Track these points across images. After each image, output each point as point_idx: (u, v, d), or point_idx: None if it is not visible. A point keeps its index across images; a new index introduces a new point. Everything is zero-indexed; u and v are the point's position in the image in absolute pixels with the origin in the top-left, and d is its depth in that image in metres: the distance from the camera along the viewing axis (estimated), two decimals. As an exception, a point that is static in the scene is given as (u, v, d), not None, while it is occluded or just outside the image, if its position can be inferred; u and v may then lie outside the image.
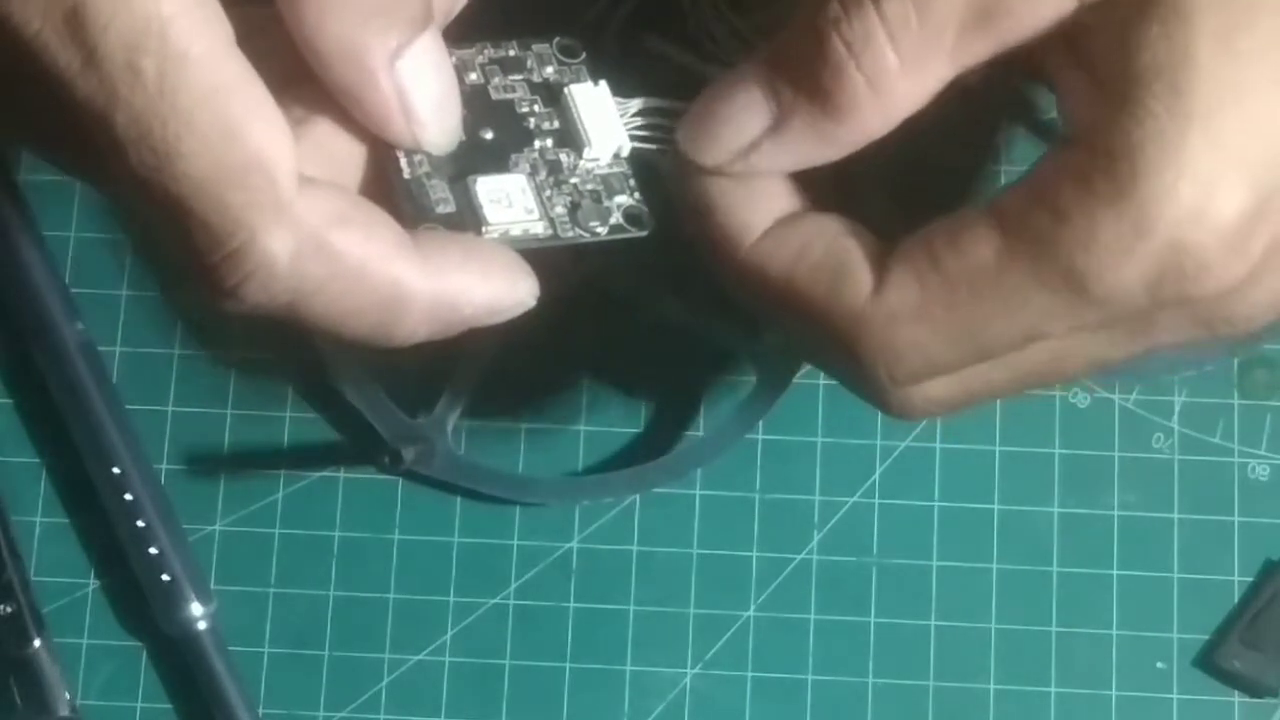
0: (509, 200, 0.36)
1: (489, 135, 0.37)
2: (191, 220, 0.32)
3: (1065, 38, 0.34)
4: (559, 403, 0.51)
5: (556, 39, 0.38)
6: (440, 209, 0.36)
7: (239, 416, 0.52)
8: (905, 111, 0.35)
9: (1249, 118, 0.33)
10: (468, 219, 0.36)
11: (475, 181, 0.36)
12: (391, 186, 0.36)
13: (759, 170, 0.37)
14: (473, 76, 0.37)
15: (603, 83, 0.38)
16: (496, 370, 0.50)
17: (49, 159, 0.35)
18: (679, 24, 0.40)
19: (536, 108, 0.38)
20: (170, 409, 0.52)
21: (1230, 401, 0.50)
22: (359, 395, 0.50)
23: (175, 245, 0.33)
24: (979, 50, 0.34)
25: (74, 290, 0.52)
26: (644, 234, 0.37)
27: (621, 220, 0.37)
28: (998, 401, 0.45)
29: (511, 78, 0.37)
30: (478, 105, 0.37)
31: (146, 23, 0.31)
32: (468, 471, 0.50)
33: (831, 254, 0.36)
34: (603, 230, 0.37)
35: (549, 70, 0.38)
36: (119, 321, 0.52)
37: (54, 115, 0.32)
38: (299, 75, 0.35)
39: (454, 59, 0.36)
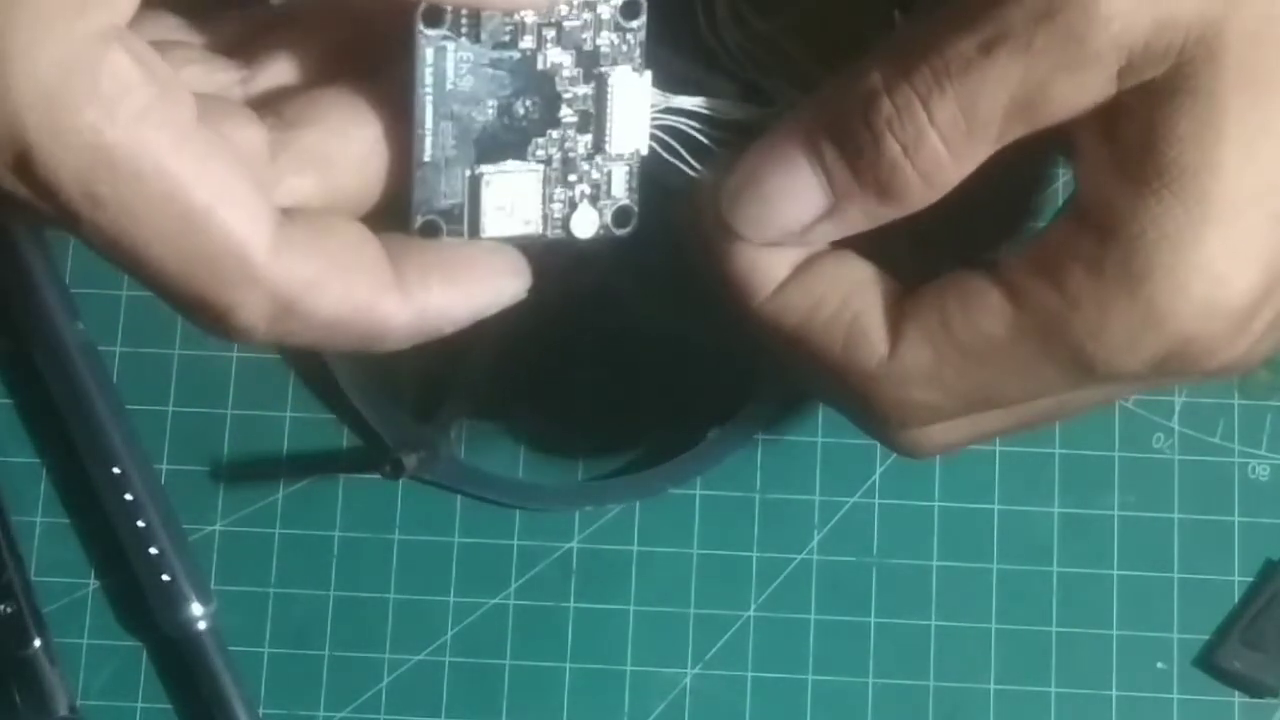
0: (512, 205, 0.37)
1: (520, 111, 0.37)
2: (171, 298, 0.34)
3: (1096, 119, 0.35)
4: (561, 408, 0.51)
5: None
6: (446, 201, 0.36)
7: (239, 416, 0.51)
8: (949, 189, 0.36)
9: (1264, 217, 0.34)
10: (469, 219, 0.37)
11: (484, 182, 0.36)
12: (408, 169, 0.36)
13: (804, 244, 0.37)
14: (526, 41, 0.37)
15: (648, 73, 0.38)
16: (499, 375, 0.50)
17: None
18: (690, 33, 0.40)
19: (576, 84, 0.37)
20: (170, 409, 0.52)
21: (1230, 401, 0.50)
22: (362, 400, 0.50)
23: (165, 303, 0.34)
24: (1020, 132, 0.35)
25: (74, 290, 0.52)
26: (622, 233, 0.38)
27: (609, 221, 0.38)
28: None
29: (565, 43, 0.37)
30: (520, 74, 0.37)
31: (94, 154, 0.31)
32: (470, 477, 0.50)
33: (846, 309, 0.37)
34: (589, 233, 0.38)
35: (603, 40, 0.37)
36: (119, 321, 0.52)
37: (35, 220, 0.33)
38: (296, 79, 0.36)
39: (515, 17, 0.36)
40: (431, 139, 0.36)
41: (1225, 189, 0.33)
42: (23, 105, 0.31)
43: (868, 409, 0.37)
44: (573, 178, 0.38)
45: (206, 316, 0.34)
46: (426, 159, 0.36)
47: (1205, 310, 0.34)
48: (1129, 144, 0.34)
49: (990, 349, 0.36)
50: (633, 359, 0.51)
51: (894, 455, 0.50)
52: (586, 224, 0.38)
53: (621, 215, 0.38)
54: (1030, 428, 0.39)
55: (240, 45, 0.37)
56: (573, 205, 0.38)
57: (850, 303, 0.37)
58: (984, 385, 0.36)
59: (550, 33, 0.37)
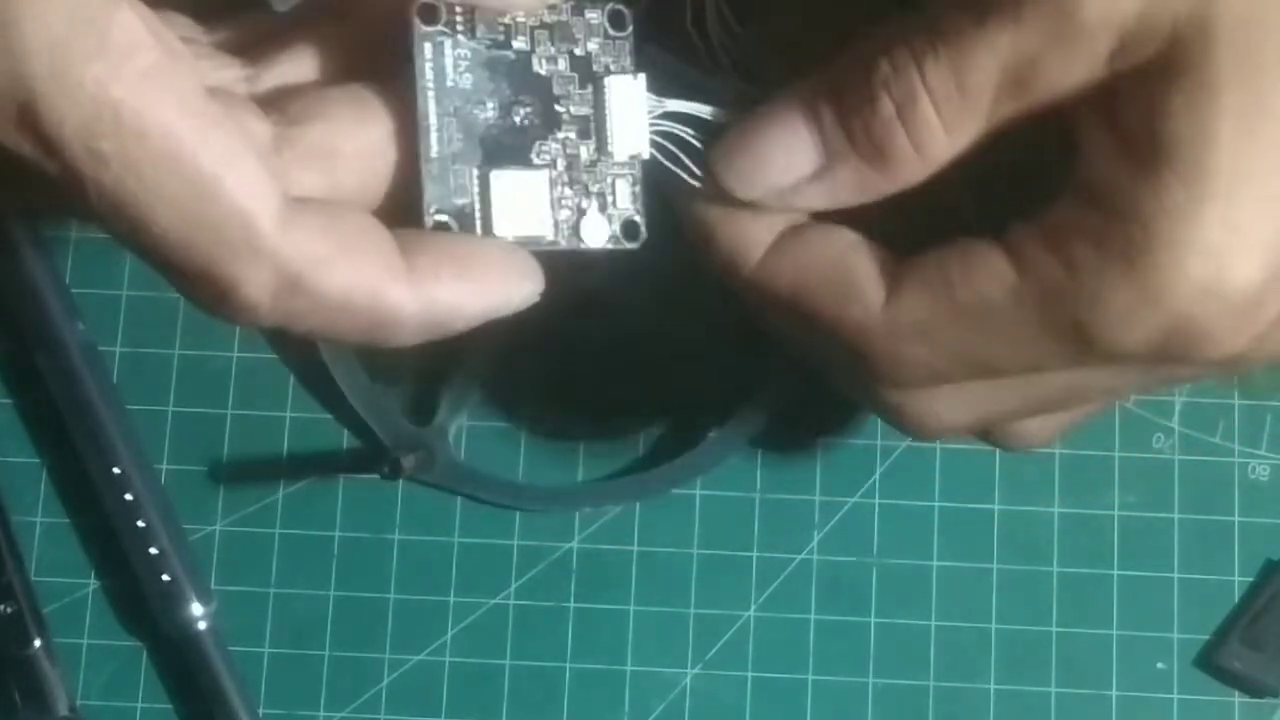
0: (522, 205, 0.37)
1: (520, 115, 0.37)
2: (174, 270, 0.33)
3: (1094, 101, 0.35)
4: (560, 409, 0.51)
5: (609, 6, 0.38)
6: (457, 199, 0.36)
7: (239, 416, 0.51)
8: (942, 164, 0.36)
9: (1264, 198, 0.34)
10: (479, 217, 0.36)
11: (493, 179, 0.37)
12: (416, 167, 0.36)
13: (793, 209, 0.38)
14: (519, 42, 0.37)
15: (641, 76, 0.38)
16: (498, 376, 0.50)
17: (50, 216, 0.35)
18: (681, 34, 0.40)
19: (572, 89, 0.38)
20: (170, 409, 0.52)
21: (1230, 401, 0.50)
22: (361, 401, 0.50)
23: (168, 280, 0.34)
24: (1013, 110, 0.35)
25: (74, 290, 0.52)
26: (633, 247, 0.38)
27: (618, 231, 0.38)
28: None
29: (558, 46, 0.38)
30: (517, 77, 0.37)
31: (99, 109, 0.31)
32: (468, 478, 0.50)
33: (839, 268, 0.37)
34: (598, 245, 0.38)
35: (594, 45, 0.38)
36: (119, 321, 0.52)
37: (37, 191, 0.32)
38: (300, 80, 0.36)
39: (507, 18, 0.37)
40: (436, 134, 0.36)
41: (1223, 166, 0.34)
42: (29, 54, 0.30)
43: (862, 364, 0.37)
44: (577, 186, 0.38)
45: (210, 292, 0.33)
46: (434, 154, 0.36)
47: (1204, 289, 0.34)
48: (1127, 125, 0.34)
49: (989, 310, 0.36)
50: (632, 360, 0.51)
51: (894, 455, 0.50)
52: (597, 232, 0.38)
53: (629, 229, 0.38)
54: (1038, 412, 0.39)
55: (245, 48, 0.37)
56: (580, 212, 0.38)
57: (844, 259, 0.37)
58: (980, 348, 0.36)
59: (543, 34, 0.37)
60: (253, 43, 0.37)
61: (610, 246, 0.38)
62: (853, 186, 0.37)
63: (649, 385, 0.51)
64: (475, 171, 0.37)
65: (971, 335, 0.36)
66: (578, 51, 0.38)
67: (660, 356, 0.50)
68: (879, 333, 0.36)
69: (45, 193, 0.32)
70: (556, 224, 0.37)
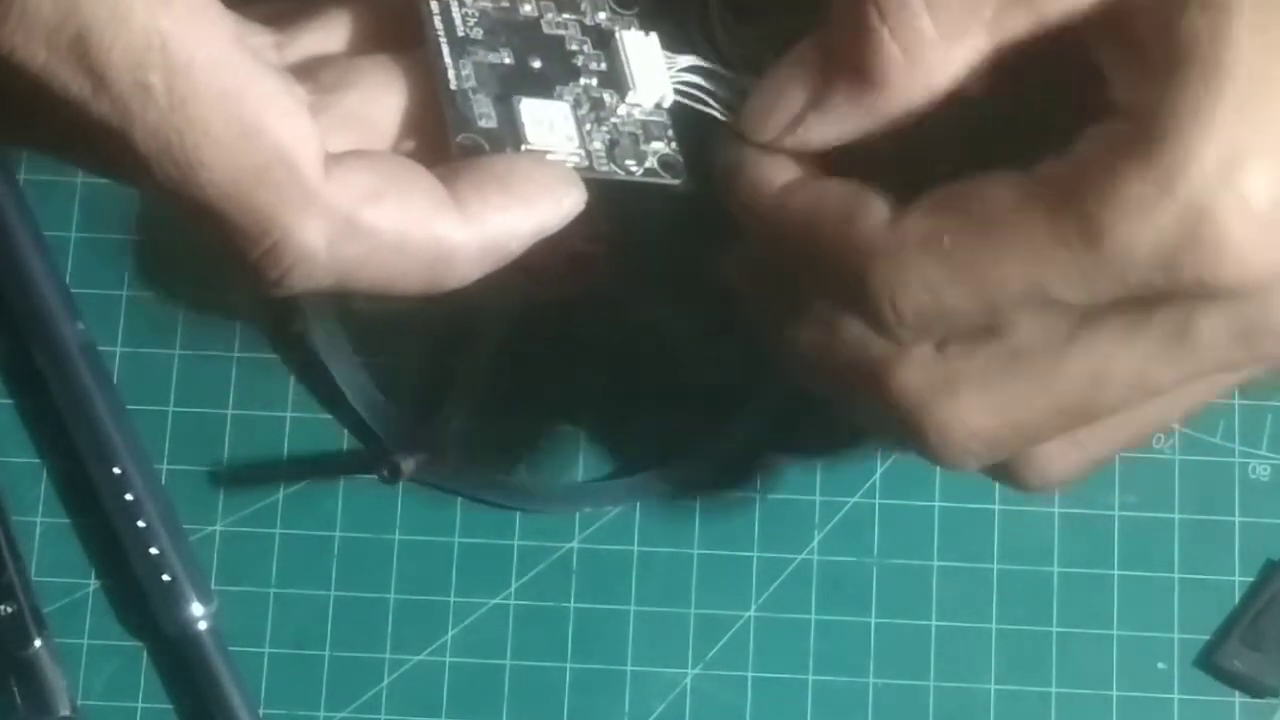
0: (550, 125, 0.37)
1: (537, 64, 0.37)
2: (224, 222, 0.33)
3: (1108, 18, 0.34)
4: (561, 409, 0.51)
5: None
6: (483, 123, 0.36)
7: (239, 416, 0.51)
8: (944, 82, 0.35)
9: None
10: (508, 136, 0.36)
11: (519, 101, 0.37)
12: (439, 103, 0.36)
13: (807, 144, 0.37)
14: (527, 8, 0.38)
15: (653, 34, 0.38)
16: (499, 376, 0.50)
17: (83, 169, 0.35)
18: (684, 32, 0.40)
19: (586, 48, 0.38)
20: (170, 409, 0.52)
21: (1231, 401, 0.50)
22: (361, 401, 0.50)
23: (213, 244, 0.33)
24: (1018, 25, 0.35)
25: (74, 290, 0.52)
26: (676, 182, 0.38)
27: (656, 165, 0.38)
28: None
29: (565, 15, 0.38)
30: (529, 35, 0.37)
31: (148, 38, 0.31)
32: (469, 479, 0.50)
33: (850, 194, 0.36)
34: (637, 170, 0.38)
35: (602, 15, 0.38)
36: (119, 321, 0.52)
37: (77, 136, 0.32)
38: (330, 51, 0.37)
39: None
40: (453, 71, 0.36)
41: (1240, 65, 0.33)
42: None
43: (863, 287, 0.35)
44: (606, 125, 0.37)
45: (265, 243, 0.33)
46: (452, 87, 0.36)
47: (1218, 181, 0.33)
48: (1142, 36, 0.34)
49: (993, 216, 0.34)
50: (632, 360, 0.51)
51: (894, 456, 0.50)
52: (634, 161, 0.37)
53: (668, 162, 0.38)
54: (1068, 413, 0.37)
55: (271, 20, 0.37)
56: (613, 144, 0.37)
57: (855, 190, 0.36)
58: (981, 257, 0.34)
59: (548, 5, 0.38)
60: (278, 16, 0.37)
61: (649, 179, 0.38)
62: (851, 110, 0.36)
63: (650, 385, 0.51)
64: (496, 101, 0.36)
65: (971, 242, 0.34)
66: (587, 21, 0.38)
67: (662, 357, 0.50)
68: (882, 247, 0.35)
69: (93, 147, 0.32)
70: (590, 151, 0.37)
